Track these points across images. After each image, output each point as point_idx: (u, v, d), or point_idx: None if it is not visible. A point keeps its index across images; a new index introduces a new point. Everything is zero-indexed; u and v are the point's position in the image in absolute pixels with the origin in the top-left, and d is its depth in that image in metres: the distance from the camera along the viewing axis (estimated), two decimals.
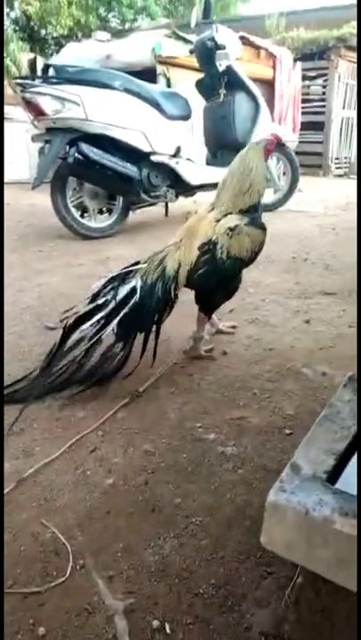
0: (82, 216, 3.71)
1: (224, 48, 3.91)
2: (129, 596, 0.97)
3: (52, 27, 14.95)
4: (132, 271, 1.78)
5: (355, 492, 0.79)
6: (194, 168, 3.90)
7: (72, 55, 5.61)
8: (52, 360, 1.70)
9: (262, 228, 1.81)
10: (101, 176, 3.48)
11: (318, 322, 2.27)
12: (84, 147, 3.29)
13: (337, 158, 8.36)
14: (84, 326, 1.66)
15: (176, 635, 0.90)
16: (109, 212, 3.84)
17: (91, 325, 1.66)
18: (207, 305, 1.91)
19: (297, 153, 7.63)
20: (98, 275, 2.91)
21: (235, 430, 1.47)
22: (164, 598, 0.97)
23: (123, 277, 1.76)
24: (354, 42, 7.70)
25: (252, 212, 1.79)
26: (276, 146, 1.93)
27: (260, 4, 20.49)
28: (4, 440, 1.44)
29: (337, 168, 8.38)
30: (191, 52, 4.29)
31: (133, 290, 1.70)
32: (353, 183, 7.64)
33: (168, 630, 0.91)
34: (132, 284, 1.71)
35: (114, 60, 5.51)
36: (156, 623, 0.92)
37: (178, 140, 3.74)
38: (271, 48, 6.69)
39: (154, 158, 3.65)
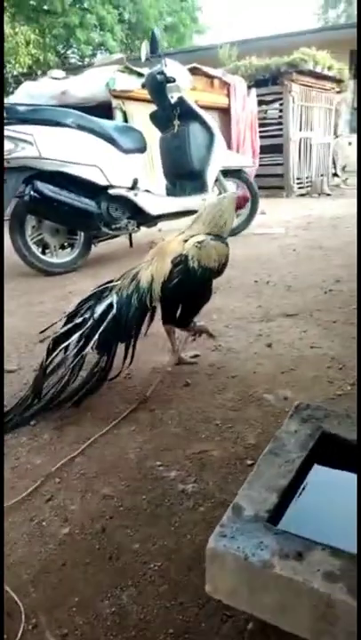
0: (43, 252, 3.69)
1: (174, 81, 3.99)
2: None
3: (12, 65, 15.16)
4: (106, 289, 1.88)
5: (297, 531, 0.77)
6: (153, 199, 3.93)
7: (27, 94, 5.66)
8: (39, 382, 1.76)
9: (226, 243, 2.00)
10: (59, 212, 3.48)
11: (280, 345, 2.27)
12: (40, 184, 3.29)
13: (298, 178, 8.54)
14: (64, 345, 1.75)
15: None
16: (71, 246, 3.84)
17: (72, 344, 1.75)
18: (182, 316, 2.02)
19: (260, 175, 7.85)
20: (61, 311, 2.90)
21: (196, 466, 1.45)
22: None
23: (98, 296, 1.87)
24: (304, 66, 7.96)
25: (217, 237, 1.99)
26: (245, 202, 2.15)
27: (214, 35, 21.16)
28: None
29: (299, 188, 8.56)
30: (143, 85, 4.37)
31: (110, 306, 1.80)
32: (314, 202, 7.81)
33: None
34: (109, 300, 1.82)
35: (69, 95, 5.57)
36: None
37: (135, 173, 3.78)
38: (224, 77, 6.86)
39: (112, 192, 3.67)
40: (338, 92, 9.63)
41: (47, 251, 3.72)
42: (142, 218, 3.97)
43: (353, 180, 10.33)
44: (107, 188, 3.64)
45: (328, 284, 3.09)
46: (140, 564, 1.12)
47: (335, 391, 1.84)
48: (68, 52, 18.91)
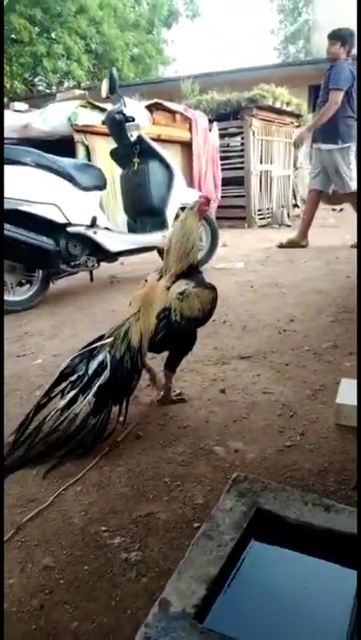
0: None
1: (133, 120, 4.05)
2: None
3: None
4: (97, 347, 1.93)
5: (225, 624, 0.76)
6: (112, 236, 3.95)
7: None
8: (22, 433, 1.81)
9: (209, 287, 2.03)
10: (16, 251, 3.45)
11: (233, 390, 2.28)
12: None
13: (259, 210, 8.74)
14: (58, 403, 1.81)
15: None
16: (29, 283, 3.80)
17: (64, 401, 1.81)
18: (171, 361, 2.12)
19: (222, 207, 8.00)
20: (14, 354, 2.85)
21: (142, 530, 1.42)
22: None
23: (90, 353, 1.92)
24: (264, 102, 8.22)
25: (196, 274, 2.03)
26: (208, 204, 2.14)
27: (180, 66, 21.70)
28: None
29: (260, 219, 8.75)
30: (103, 123, 4.42)
31: (102, 363, 1.86)
32: (275, 233, 7.98)
33: None
34: (100, 358, 1.87)
35: (31, 129, 5.59)
36: None
37: (93, 211, 3.79)
38: (186, 112, 7.01)
39: (70, 229, 3.67)
40: (297, 127, 9.95)
41: (4, 288, 3.67)
42: (102, 254, 3.98)
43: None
44: (65, 225, 3.64)
45: (282, 324, 3.13)
46: None
47: (285, 442, 1.85)
48: (35, 79, 19.03)
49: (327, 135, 5.61)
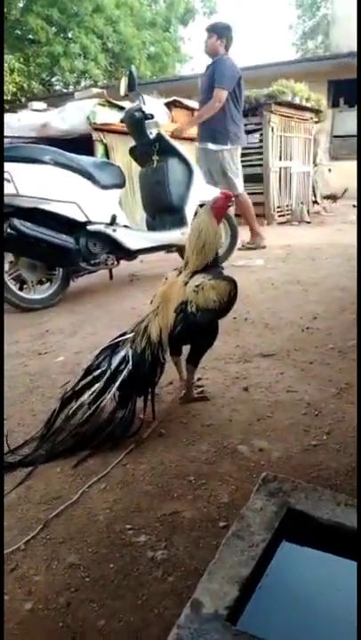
0: (21, 288, 3.65)
1: (152, 117, 4.04)
2: None
3: None
4: (120, 342, 1.98)
5: (258, 625, 0.74)
6: (132, 234, 3.95)
7: (7, 126, 5.69)
8: (51, 427, 1.85)
9: (227, 279, 2.01)
10: (37, 249, 3.46)
11: (257, 389, 2.25)
12: (17, 222, 3.28)
13: (279, 207, 8.66)
14: (82, 398, 1.85)
15: None
16: (50, 281, 3.81)
17: (89, 395, 1.85)
18: (192, 356, 2.10)
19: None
20: (37, 351, 2.86)
21: (167, 529, 1.41)
22: None
23: (113, 348, 1.96)
24: (283, 98, 8.14)
25: (215, 268, 2.02)
26: (228, 200, 2.09)
27: (197, 64, 21.59)
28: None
29: (280, 216, 8.67)
30: (122, 121, 4.42)
31: (124, 358, 1.90)
32: (295, 230, 7.91)
33: None
34: (123, 353, 1.92)
35: (50, 128, 5.63)
36: None
37: (113, 209, 3.79)
38: None
39: (90, 228, 3.67)
40: (316, 122, 9.85)
41: (25, 286, 3.69)
42: (121, 252, 3.98)
43: (333, 206, 10.54)
44: (85, 224, 3.64)
45: (305, 322, 3.09)
46: None
47: (310, 441, 1.82)
48: (53, 79, 19.17)
49: (217, 136, 5.28)
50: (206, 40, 5.29)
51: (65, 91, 17.30)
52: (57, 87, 19.38)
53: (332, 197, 10.12)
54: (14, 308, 3.59)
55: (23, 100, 14.56)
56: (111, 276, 4.46)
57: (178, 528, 1.41)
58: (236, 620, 0.76)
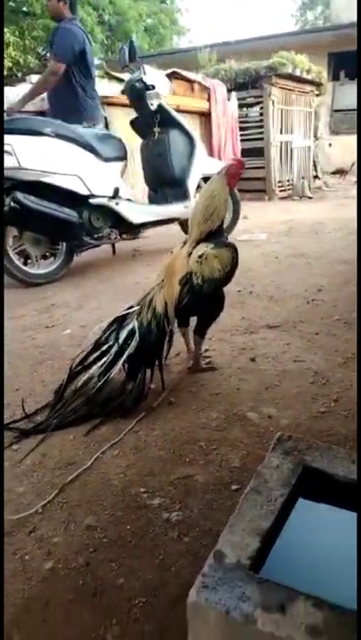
0: (25, 263, 3.64)
1: (153, 88, 3.98)
2: None
3: None
4: (127, 314, 2.00)
5: (281, 575, 0.76)
6: (135, 207, 3.92)
7: (5, 100, 5.59)
8: (61, 397, 1.88)
9: (228, 246, 2.00)
10: (40, 223, 3.44)
11: (264, 359, 2.27)
12: (20, 195, 3.25)
13: (280, 181, 8.58)
14: (91, 370, 1.89)
15: None
16: (53, 256, 3.80)
17: (97, 367, 1.88)
18: (200, 326, 2.11)
19: (241, 179, 7.85)
20: (43, 325, 2.87)
21: (181, 492, 1.44)
22: None
23: (120, 322, 1.99)
24: (283, 70, 8.00)
25: (217, 236, 2.00)
26: (241, 167, 2.07)
27: (194, 36, 21.17)
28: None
29: (281, 191, 8.59)
30: (122, 92, 4.35)
31: (132, 330, 1.93)
32: (296, 205, 7.85)
33: None
34: (130, 325, 1.95)
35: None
36: None
37: (115, 182, 3.76)
38: (204, 81, 6.86)
39: (93, 201, 3.64)
40: (317, 95, 9.69)
41: (29, 261, 3.68)
42: (124, 227, 3.95)
43: (333, 181, 10.45)
44: (88, 197, 3.61)
45: (310, 294, 3.10)
46: (124, 601, 1.11)
47: (319, 408, 1.84)
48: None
49: (70, 113, 4.29)
50: (47, 1, 4.44)
51: None
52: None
53: (341, 172, 10.00)
54: (19, 282, 3.59)
55: (19, 74, 14.27)
56: (114, 252, 4.44)
57: (191, 491, 1.44)
58: (258, 570, 0.78)
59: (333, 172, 10.04)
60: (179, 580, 1.15)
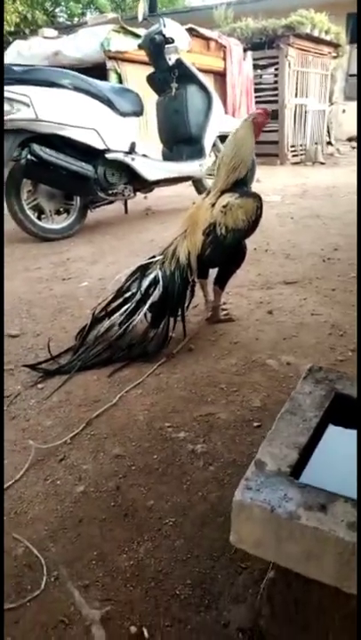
0: (39, 218, 3.63)
1: (173, 42, 3.89)
2: (105, 604, 0.97)
3: None
4: (150, 264, 2.01)
5: (319, 484, 0.80)
6: (150, 164, 3.88)
7: (18, 53, 5.49)
8: (83, 341, 1.92)
9: (253, 196, 1.99)
10: (56, 176, 3.42)
11: (281, 312, 2.29)
12: (37, 147, 3.23)
13: (293, 146, 8.44)
14: (113, 317, 1.92)
15: (154, 638, 0.91)
16: (67, 212, 3.78)
17: (120, 315, 1.92)
18: (220, 277, 2.12)
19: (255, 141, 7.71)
20: (60, 277, 2.89)
21: (204, 427, 1.48)
22: (141, 603, 0.97)
23: (143, 271, 1.99)
24: (302, 30, 7.77)
25: (241, 186, 1.99)
26: (267, 117, 2.03)
27: None
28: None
29: (293, 156, 8.47)
30: (140, 46, 4.25)
31: (155, 279, 1.94)
32: (309, 170, 7.74)
33: (146, 635, 0.91)
34: (153, 274, 1.95)
35: (62, 56, 5.42)
36: (133, 629, 0.92)
37: (132, 137, 3.71)
38: (220, 39, 6.69)
39: (109, 156, 3.61)
40: (334, 58, 9.44)
41: (43, 216, 3.67)
42: (139, 183, 3.92)
43: (346, 149, 10.26)
44: (104, 151, 3.58)
45: (326, 253, 3.10)
46: (155, 520, 1.16)
47: (337, 357, 1.87)
48: (57, 10, 18.22)
49: None
50: None
51: (68, 23, 16.47)
52: (60, 19, 18.44)
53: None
54: (33, 237, 3.59)
55: (27, 31, 13.91)
56: (126, 210, 4.42)
57: (214, 427, 1.48)
58: (297, 478, 0.82)
59: (349, 139, 9.83)
60: (206, 503, 1.20)
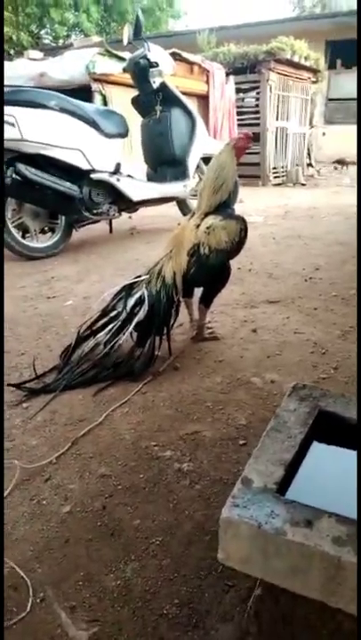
0: (23, 236, 3.64)
1: (157, 65, 3.97)
2: (93, 625, 0.96)
3: None
4: (135, 283, 2.04)
5: (304, 500, 0.82)
6: (135, 184, 3.93)
7: (4, 74, 5.53)
8: (68, 360, 1.93)
9: (236, 218, 2.03)
10: (41, 196, 3.44)
11: (265, 330, 2.32)
12: (22, 167, 3.25)
13: (274, 168, 8.61)
14: (99, 335, 1.93)
15: None
16: (52, 231, 3.80)
17: (105, 334, 1.93)
18: (205, 297, 2.15)
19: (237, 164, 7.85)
20: (44, 295, 2.89)
21: (190, 445, 1.49)
22: (129, 623, 0.97)
23: (128, 291, 2.02)
24: (282, 55, 7.99)
25: (225, 209, 2.04)
26: (248, 141, 2.08)
27: (190, 21, 20.95)
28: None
29: (275, 177, 8.63)
30: (125, 70, 4.33)
31: (141, 298, 1.96)
32: (290, 191, 7.90)
33: None
34: (139, 293, 1.98)
35: (48, 77, 5.48)
36: None
37: (117, 157, 3.76)
38: (204, 63, 6.84)
39: (94, 176, 3.64)
40: (314, 82, 9.71)
41: (27, 235, 3.68)
42: (124, 203, 3.96)
43: (325, 170, 10.49)
44: (89, 172, 3.62)
45: (308, 272, 3.16)
46: (141, 540, 1.16)
47: (319, 375, 1.90)
48: (42, 32, 18.45)
49: None
50: None
51: (53, 44, 16.68)
52: (46, 41, 18.66)
53: (342, 163, 10.00)
54: (17, 255, 3.59)
55: (12, 52, 14.07)
56: (111, 229, 4.45)
57: (200, 445, 1.49)
58: (283, 494, 0.83)
59: (335, 162, 10.04)
60: (193, 522, 1.21)
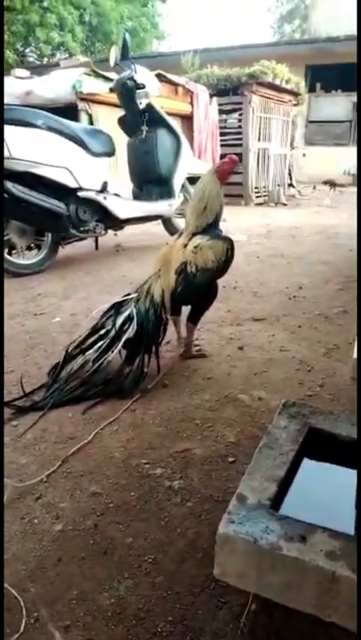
0: (10, 253, 3.64)
1: (144, 87, 4.05)
2: None
3: None
4: (124, 301, 2.06)
5: (297, 516, 0.84)
6: (121, 202, 3.97)
7: None
8: (56, 377, 1.94)
9: (223, 239, 2.08)
10: (28, 213, 3.46)
11: (251, 348, 2.36)
12: (9, 184, 3.27)
13: (256, 187, 8.75)
14: (88, 353, 1.95)
15: None
16: (38, 248, 3.81)
17: (94, 351, 1.94)
18: (193, 314, 2.19)
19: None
20: (32, 312, 2.89)
21: (180, 463, 1.50)
22: None
23: (117, 309, 2.04)
24: (264, 78, 8.18)
25: (212, 229, 2.08)
26: (233, 165, 2.13)
27: (174, 42, 21.34)
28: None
29: (257, 197, 8.77)
30: (112, 90, 4.40)
31: (130, 316, 1.99)
32: (272, 211, 8.03)
33: None
34: (128, 311, 2.01)
35: (34, 96, 5.52)
36: None
37: (104, 176, 3.81)
38: (188, 85, 6.97)
39: (81, 194, 3.68)
40: (295, 105, 9.94)
41: (14, 251, 3.68)
42: (110, 221, 4.00)
43: (306, 191, 10.70)
44: (76, 190, 3.65)
45: (291, 291, 3.22)
46: (134, 558, 1.17)
47: (305, 392, 1.94)
48: (27, 50, 18.61)
49: None
50: None
51: (38, 63, 16.84)
52: (30, 59, 18.81)
53: (331, 183, 10.18)
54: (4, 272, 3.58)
55: None
56: (97, 247, 4.47)
57: (190, 462, 1.51)
58: (277, 510, 0.86)
59: (324, 182, 10.21)
60: (185, 539, 1.22)
